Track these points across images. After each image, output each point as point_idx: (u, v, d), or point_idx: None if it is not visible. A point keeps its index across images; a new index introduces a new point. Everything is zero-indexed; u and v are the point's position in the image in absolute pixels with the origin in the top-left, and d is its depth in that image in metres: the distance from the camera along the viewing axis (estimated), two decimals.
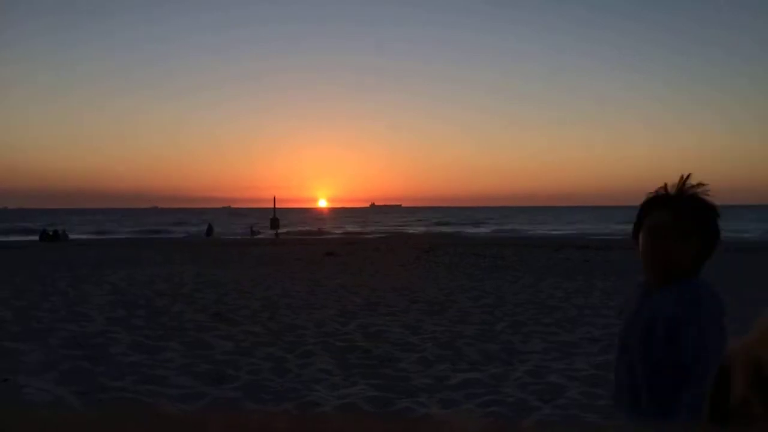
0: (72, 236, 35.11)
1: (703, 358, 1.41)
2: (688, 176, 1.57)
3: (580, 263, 16.69)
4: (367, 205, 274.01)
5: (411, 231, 50.53)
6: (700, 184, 1.55)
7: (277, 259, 17.83)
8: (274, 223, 52.45)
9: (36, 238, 32.20)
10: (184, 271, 13.64)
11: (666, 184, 1.57)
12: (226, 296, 9.19)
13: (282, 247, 24.79)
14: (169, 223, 67.51)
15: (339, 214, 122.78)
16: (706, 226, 1.54)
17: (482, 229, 53.12)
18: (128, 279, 11.52)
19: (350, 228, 58.57)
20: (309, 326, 6.84)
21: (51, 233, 32.18)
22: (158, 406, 3.81)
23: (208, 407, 4.05)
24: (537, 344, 6.02)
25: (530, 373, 4.92)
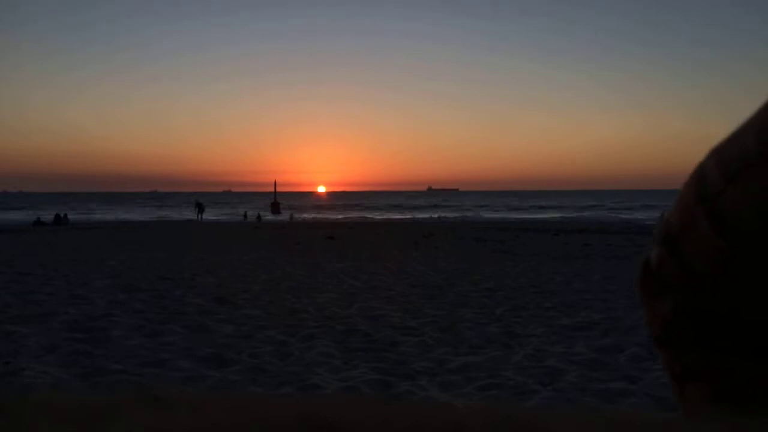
0: (72, 220, 35.12)
1: None
2: None
3: (580, 247, 16.72)
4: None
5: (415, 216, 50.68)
6: None
7: (277, 243, 17.86)
8: (275, 208, 52.44)
9: (36, 221, 32.21)
10: (184, 254, 13.67)
11: None
12: (227, 280, 9.22)
13: (283, 231, 24.81)
14: (170, 207, 67.64)
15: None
16: None
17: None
18: (129, 262, 11.55)
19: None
20: (310, 310, 6.86)
21: (53, 218, 32.18)
22: (159, 388, 3.83)
23: (210, 390, 4.07)
24: (537, 328, 6.04)
25: (530, 357, 4.94)
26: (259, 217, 42.13)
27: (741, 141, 0.40)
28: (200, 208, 40.01)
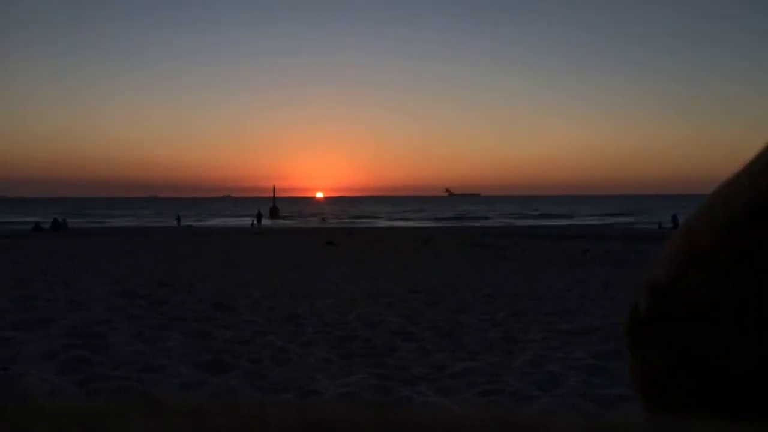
0: (72, 226, 35.10)
1: None
2: None
3: (580, 253, 16.72)
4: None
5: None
6: None
7: (277, 249, 17.85)
8: (274, 213, 52.61)
9: (34, 227, 32.16)
10: (183, 260, 13.65)
11: None
12: (226, 286, 9.20)
13: (282, 237, 24.80)
14: (169, 213, 67.68)
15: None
16: None
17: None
18: (128, 269, 11.54)
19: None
20: (309, 316, 6.85)
21: (51, 223, 32.14)
22: (158, 395, 3.83)
23: (209, 396, 4.06)
24: (536, 334, 6.03)
25: (530, 363, 4.93)
26: (259, 217, 42.66)
27: (732, 200, 0.41)
28: (259, 217, 42.65)
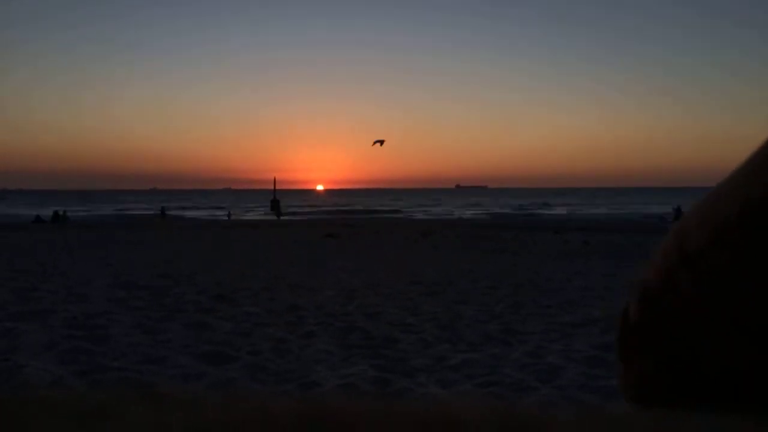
0: (72, 217, 35.11)
1: None
2: None
3: (580, 245, 16.72)
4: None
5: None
6: None
7: (277, 241, 17.86)
8: (275, 205, 52.68)
9: (35, 219, 32.18)
10: (184, 252, 13.67)
11: None
12: (226, 277, 9.22)
13: (282, 229, 24.82)
14: (171, 205, 67.77)
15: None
16: None
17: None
18: (129, 260, 11.55)
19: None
20: (309, 307, 6.87)
21: (53, 215, 32.16)
22: (158, 386, 3.83)
23: (209, 387, 4.08)
24: (536, 325, 6.04)
25: (529, 354, 4.94)
26: (277, 205, 43.31)
27: (724, 203, 0.40)
28: (274, 205, 43.96)
